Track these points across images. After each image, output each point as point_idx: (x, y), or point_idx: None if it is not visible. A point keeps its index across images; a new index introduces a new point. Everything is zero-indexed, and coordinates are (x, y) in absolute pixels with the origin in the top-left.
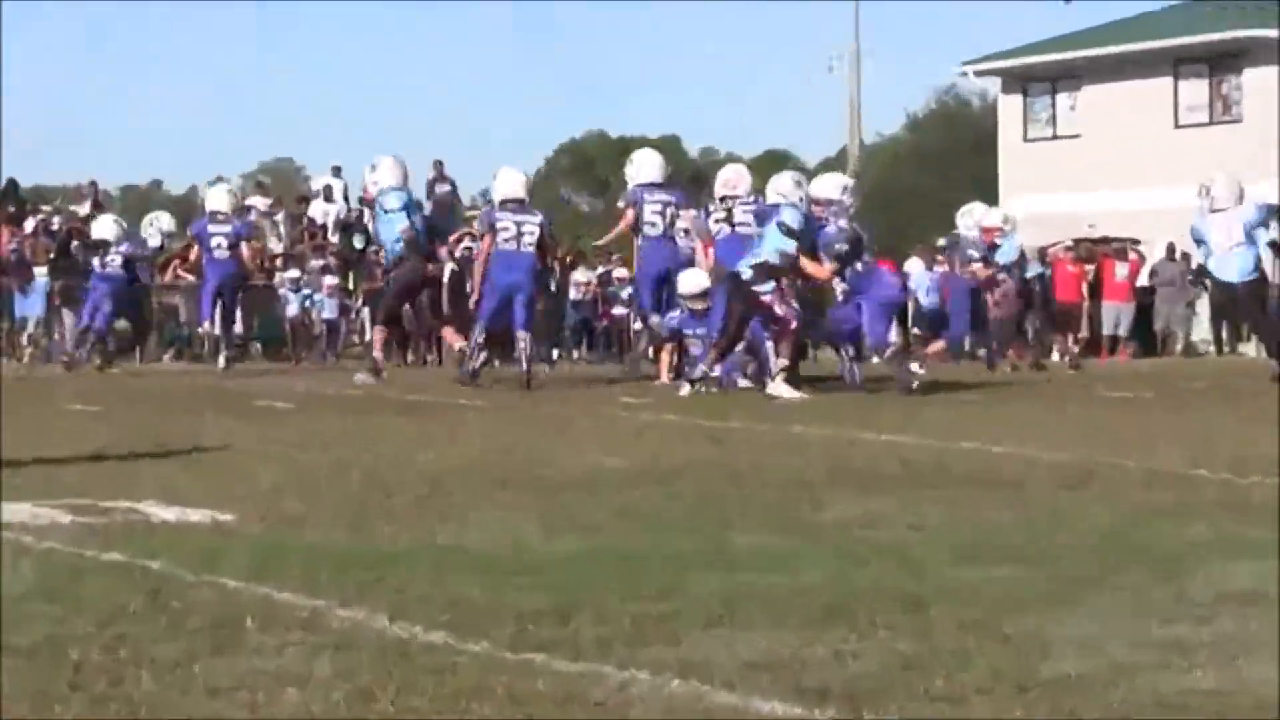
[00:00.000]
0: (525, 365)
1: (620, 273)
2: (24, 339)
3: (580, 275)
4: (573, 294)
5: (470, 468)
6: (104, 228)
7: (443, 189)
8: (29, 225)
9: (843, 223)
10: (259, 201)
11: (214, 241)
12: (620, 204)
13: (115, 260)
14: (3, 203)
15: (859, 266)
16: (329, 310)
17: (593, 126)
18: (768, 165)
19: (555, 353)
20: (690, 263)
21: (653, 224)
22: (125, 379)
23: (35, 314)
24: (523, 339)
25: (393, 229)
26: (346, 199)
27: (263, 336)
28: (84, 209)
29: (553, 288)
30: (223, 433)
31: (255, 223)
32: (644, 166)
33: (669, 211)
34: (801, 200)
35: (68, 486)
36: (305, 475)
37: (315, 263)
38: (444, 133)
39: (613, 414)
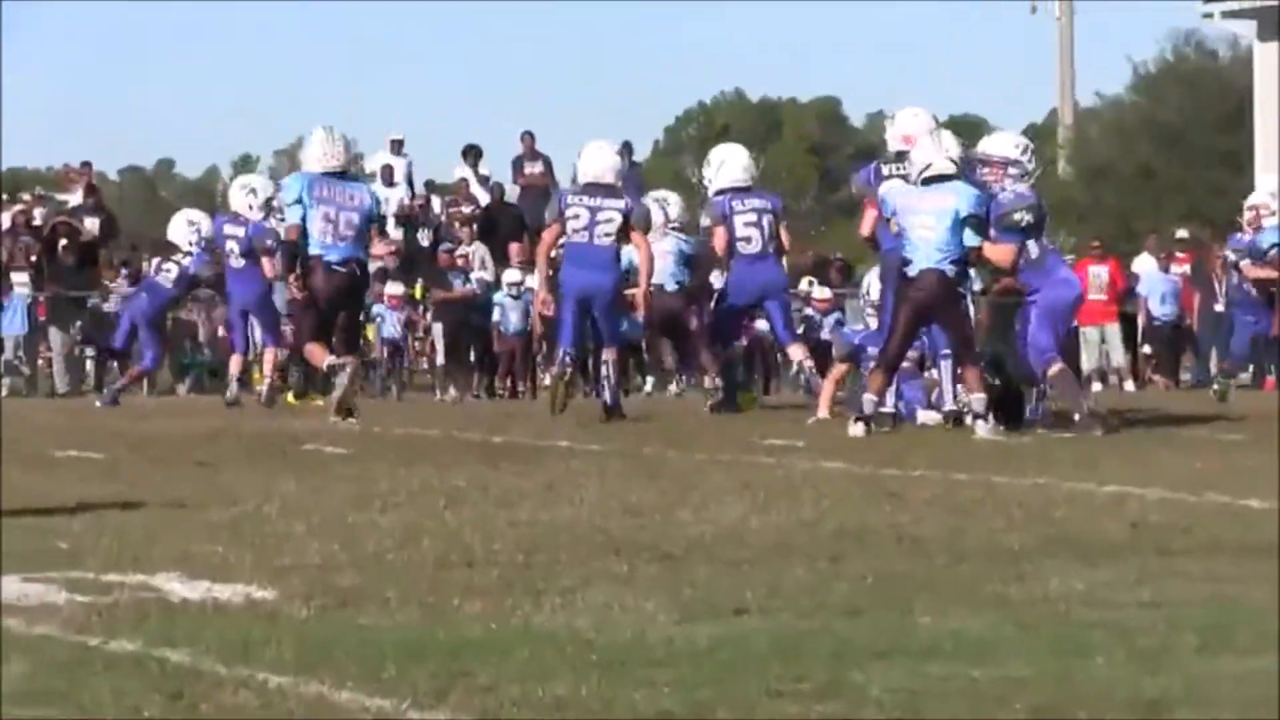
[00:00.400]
0: (608, 392)
1: None
2: None
3: (714, 280)
4: None
5: (575, 531)
6: (177, 230)
7: (533, 169)
8: (4, 220)
9: (1023, 188)
10: None
11: (227, 246)
12: (706, 221)
13: (169, 272)
14: None
15: (1032, 251)
16: (389, 326)
17: (726, 86)
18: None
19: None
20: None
21: (747, 239)
22: (132, 418)
23: (15, 333)
24: (607, 356)
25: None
26: (411, 183)
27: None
28: (74, 197)
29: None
30: (258, 486)
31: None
32: (727, 166)
33: (765, 221)
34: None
35: (63, 555)
36: (364, 540)
37: (370, 265)
38: (536, 94)
39: (757, 461)
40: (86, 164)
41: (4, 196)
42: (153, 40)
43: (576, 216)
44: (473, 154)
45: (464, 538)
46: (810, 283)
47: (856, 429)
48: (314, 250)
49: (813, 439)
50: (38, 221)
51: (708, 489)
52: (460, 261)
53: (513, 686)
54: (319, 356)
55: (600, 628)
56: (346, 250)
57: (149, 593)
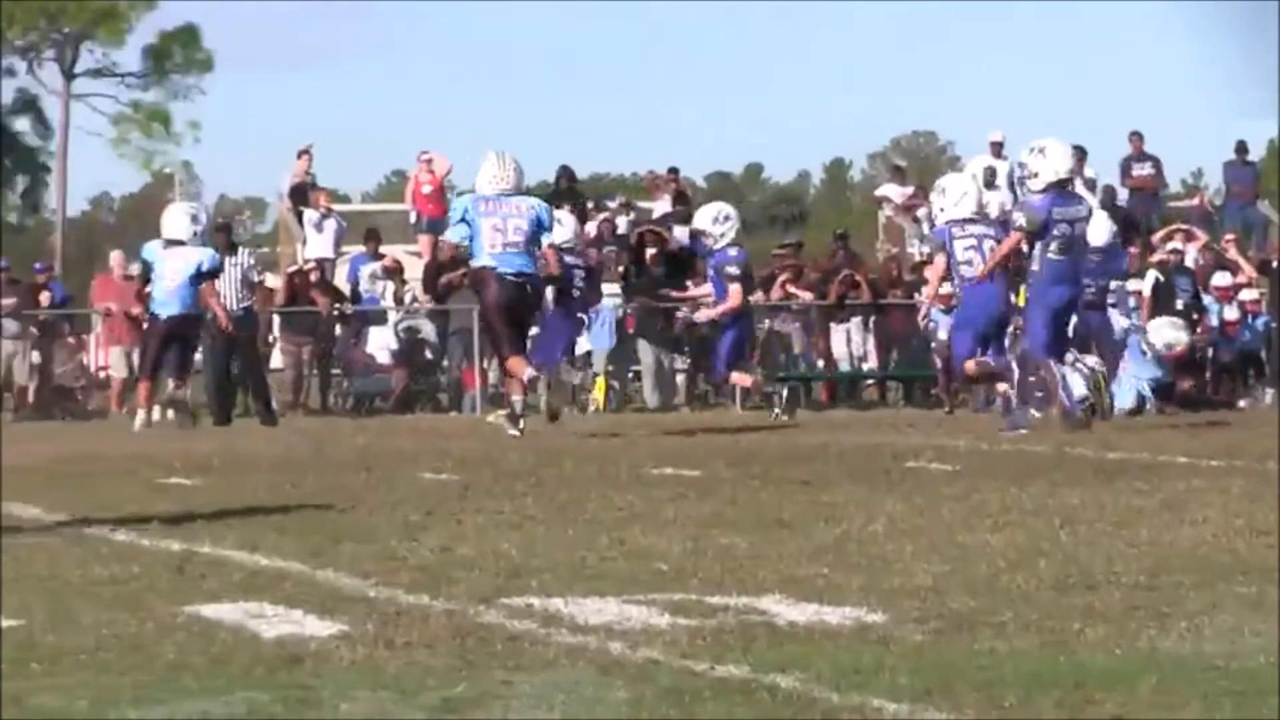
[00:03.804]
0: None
1: None
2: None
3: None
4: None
5: (1201, 552)
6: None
7: (1142, 170)
8: (590, 228)
9: None
10: (892, 191)
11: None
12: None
13: None
14: (556, 200)
15: None
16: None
17: None
18: None
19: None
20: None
21: (969, 263)
22: (725, 434)
23: (602, 347)
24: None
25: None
26: (1013, 186)
27: (905, 373)
28: (662, 205)
29: None
30: (862, 505)
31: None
32: (952, 196)
33: (987, 246)
34: None
35: (663, 577)
36: (975, 562)
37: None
38: (1139, 95)
39: None
40: (674, 170)
41: (589, 205)
42: (733, 41)
43: (1061, 235)
44: (1078, 155)
45: (1082, 559)
46: None
47: None
48: (483, 262)
49: None
50: (622, 230)
51: None
52: None
53: (1142, 715)
54: (520, 368)
55: (1231, 654)
56: (518, 263)
57: (756, 615)
